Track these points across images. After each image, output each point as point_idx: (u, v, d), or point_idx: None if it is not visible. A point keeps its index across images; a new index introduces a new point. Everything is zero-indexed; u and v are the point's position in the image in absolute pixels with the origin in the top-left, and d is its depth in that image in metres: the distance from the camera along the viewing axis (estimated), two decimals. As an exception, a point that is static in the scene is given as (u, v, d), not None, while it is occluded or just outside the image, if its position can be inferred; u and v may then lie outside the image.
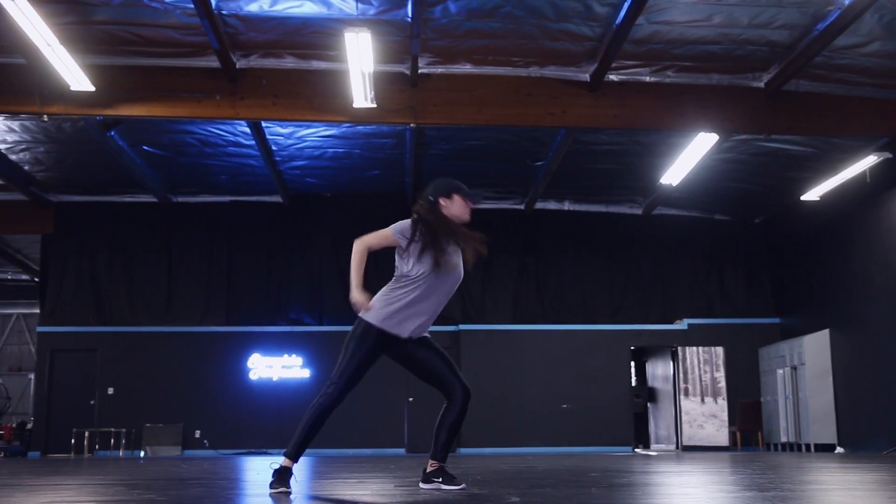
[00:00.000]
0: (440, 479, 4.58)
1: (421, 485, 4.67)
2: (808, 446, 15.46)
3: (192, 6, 10.29)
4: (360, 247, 4.56)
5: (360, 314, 4.59)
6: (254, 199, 17.95)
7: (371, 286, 4.61)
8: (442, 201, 4.70)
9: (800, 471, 6.90)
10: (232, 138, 14.61)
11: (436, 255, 4.55)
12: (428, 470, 4.66)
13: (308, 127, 14.08)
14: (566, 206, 18.42)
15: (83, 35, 11.01)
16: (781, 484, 5.01)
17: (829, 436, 15.23)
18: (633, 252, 18.58)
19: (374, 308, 4.57)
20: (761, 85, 12.48)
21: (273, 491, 4.48)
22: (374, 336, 4.57)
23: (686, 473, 6.74)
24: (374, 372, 18.40)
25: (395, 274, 4.67)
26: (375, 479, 6.10)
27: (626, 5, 10.28)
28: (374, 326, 4.56)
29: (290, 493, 4.48)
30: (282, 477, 4.53)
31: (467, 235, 4.72)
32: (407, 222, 4.64)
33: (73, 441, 16.54)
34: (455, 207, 4.71)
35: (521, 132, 14.27)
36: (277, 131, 14.36)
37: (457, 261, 4.67)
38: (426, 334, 4.71)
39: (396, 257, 4.68)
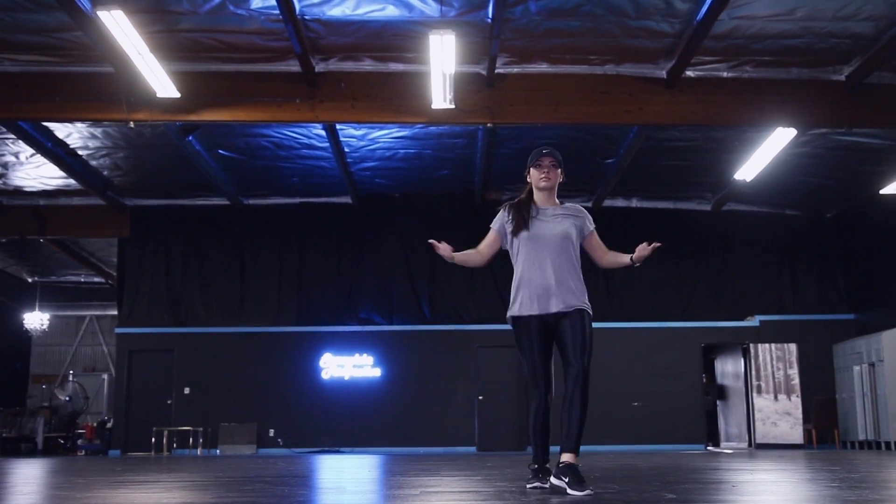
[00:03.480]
0: (566, 479, 4.39)
1: (552, 479, 4.50)
2: (887, 444, 15.19)
3: (276, 12, 10.47)
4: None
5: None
6: (323, 200, 18.14)
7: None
8: (527, 177, 4.93)
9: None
10: (306, 141, 14.80)
11: (518, 223, 4.81)
12: (560, 462, 4.50)
13: (381, 128, 14.23)
14: (634, 203, 18.31)
15: (170, 43, 11.26)
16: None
17: (910, 433, 14.95)
18: (702, 249, 18.42)
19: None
20: (842, 78, 12.29)
21: (577, 494, 4.29)
22: (520, 326, 4.74)
23: (795, 471, 6.69)
24: (445, 370, 18.30)
25: None
26: (491, 476, 6.16)
27: (708, 1, 10.22)
28: (512, 318, 4.78)
29: (589, 493, 4.29)
30: (577, 477, 4.40)
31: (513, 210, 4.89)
32: (500, 212, 4.93)
33: (153, 440, 16.92)
34: (533, 178, 4.86)
35: (592, 130, 14.23)
36: (351, 133, 14.51)
37: (549, 226, 4.82)
38: (570, 308, 4.70)
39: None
